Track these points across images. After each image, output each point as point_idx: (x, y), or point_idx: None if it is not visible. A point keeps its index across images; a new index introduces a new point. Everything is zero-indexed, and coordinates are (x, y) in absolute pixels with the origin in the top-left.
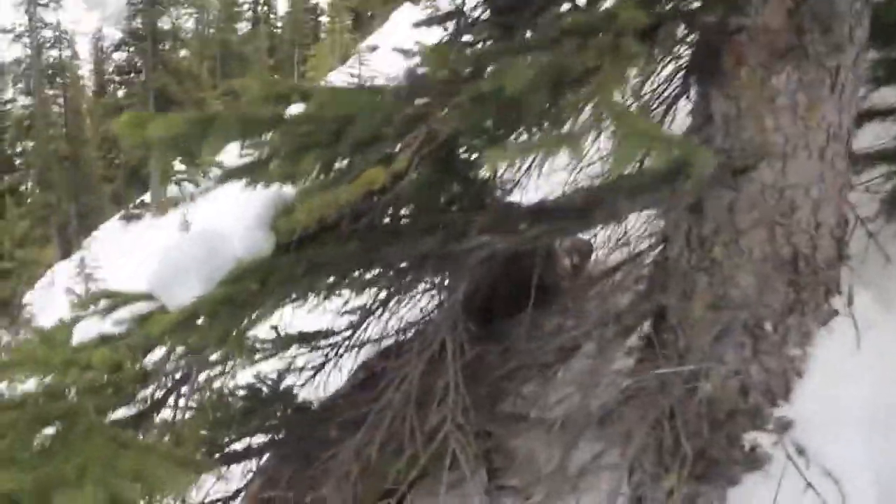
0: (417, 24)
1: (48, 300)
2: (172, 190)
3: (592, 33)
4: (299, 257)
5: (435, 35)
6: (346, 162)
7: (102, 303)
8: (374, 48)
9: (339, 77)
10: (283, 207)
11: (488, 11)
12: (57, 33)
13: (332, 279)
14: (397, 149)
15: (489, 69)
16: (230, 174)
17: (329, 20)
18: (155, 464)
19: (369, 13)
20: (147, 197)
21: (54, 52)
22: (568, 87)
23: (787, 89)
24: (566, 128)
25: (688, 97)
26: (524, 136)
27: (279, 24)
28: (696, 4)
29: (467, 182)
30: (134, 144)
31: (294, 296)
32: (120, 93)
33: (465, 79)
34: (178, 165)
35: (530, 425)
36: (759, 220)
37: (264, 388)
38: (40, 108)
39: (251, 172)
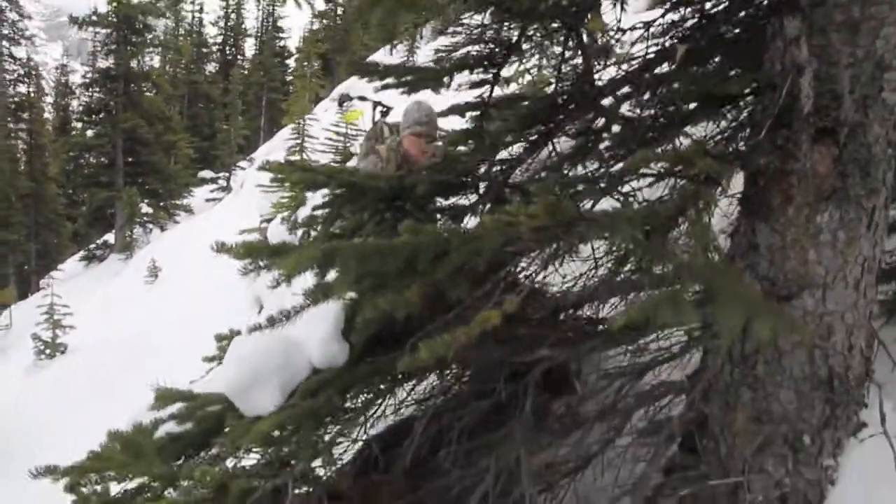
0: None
1: (9, 343)
2: (137, 231)
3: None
4: (376, 368)
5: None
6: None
7: (178, 406)
8: (344, 100)
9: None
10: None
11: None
12: (25, 69)
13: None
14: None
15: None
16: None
17: (297, 64)
18: None
19: (337, 60)
20: (110, 237)
21: (21, 88)
22: (660, 231)
23: (829, 227)
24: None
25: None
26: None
27: (246, 66)
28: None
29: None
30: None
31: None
32: (89, 132)
33: (563, 226)
34: (145, 207)
35: None
36: (800, 342)
37: None
38: (3, 144)
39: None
